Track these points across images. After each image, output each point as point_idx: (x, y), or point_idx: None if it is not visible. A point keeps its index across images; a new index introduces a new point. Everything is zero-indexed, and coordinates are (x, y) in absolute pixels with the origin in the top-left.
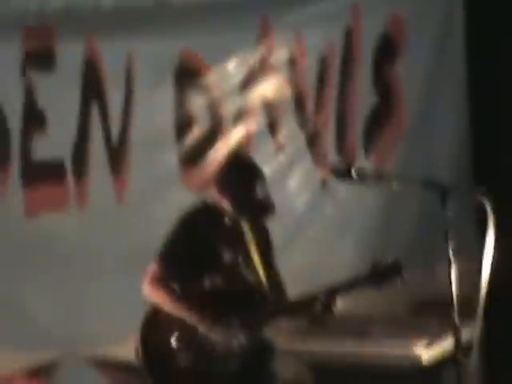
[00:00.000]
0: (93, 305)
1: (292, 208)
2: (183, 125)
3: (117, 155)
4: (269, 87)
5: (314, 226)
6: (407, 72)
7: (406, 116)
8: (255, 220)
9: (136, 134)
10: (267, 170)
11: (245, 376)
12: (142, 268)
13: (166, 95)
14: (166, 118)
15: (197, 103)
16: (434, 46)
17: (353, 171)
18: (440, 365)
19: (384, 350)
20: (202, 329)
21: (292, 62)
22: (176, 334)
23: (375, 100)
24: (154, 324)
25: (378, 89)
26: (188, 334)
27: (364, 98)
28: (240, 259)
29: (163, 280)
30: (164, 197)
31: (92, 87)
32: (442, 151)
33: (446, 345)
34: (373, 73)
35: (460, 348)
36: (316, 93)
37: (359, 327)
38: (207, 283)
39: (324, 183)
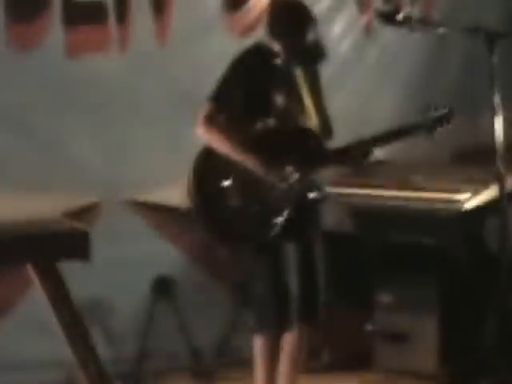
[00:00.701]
0: (132, 150)
1: (336, 53)
2: None
3: None
4: None
5: (358, 72)
6: None
7: None
8: (307, 64)
9: None
10: None
11: (294, 220)
12: (181, 113)
13: None
14: None
15: None
16: None
17: (399, 15)
18: (482, 212)
19: (427, 195)
20: (256, 170)
21: None
22: (229, 176)
23: None
24: (206, 167)
25: None
26: (241, 176)
27: None
28: (292, 103)
29: (216, 120)
30: (206, 41)
31: None
32: None
33: (489, 192)
34: None
35: (503, 195)
36: None
37: (402, 174)
38: (260, 126)
39: (368, 28)
